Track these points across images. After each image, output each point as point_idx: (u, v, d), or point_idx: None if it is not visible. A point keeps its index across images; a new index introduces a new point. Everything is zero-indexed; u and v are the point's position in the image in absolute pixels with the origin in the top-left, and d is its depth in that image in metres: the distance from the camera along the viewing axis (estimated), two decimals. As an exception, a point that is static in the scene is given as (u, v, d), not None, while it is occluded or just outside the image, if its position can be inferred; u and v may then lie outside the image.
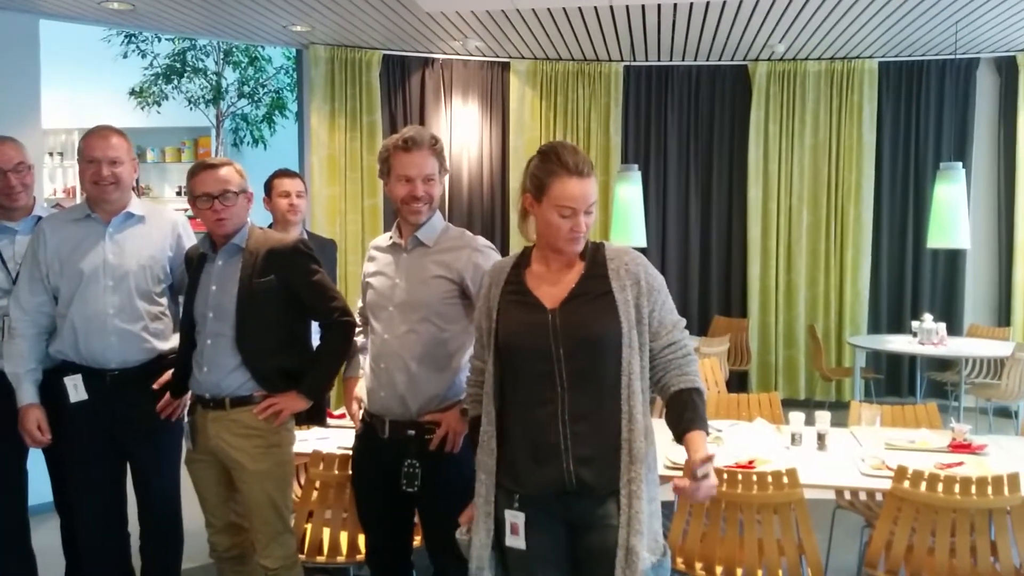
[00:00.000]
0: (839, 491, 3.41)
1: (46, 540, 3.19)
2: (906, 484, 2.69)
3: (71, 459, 2.81)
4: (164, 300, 2.86)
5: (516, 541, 1.99)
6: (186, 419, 2.74)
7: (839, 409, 5.84)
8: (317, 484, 2.84)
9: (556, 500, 1.98)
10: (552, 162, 2.00)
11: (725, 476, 2.74)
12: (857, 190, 6.90)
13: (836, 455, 3.21)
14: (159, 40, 7.94)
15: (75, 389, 2.73)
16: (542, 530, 1.99)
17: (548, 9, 5.47)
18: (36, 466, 3.07)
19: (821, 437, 3.28)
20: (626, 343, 1.97)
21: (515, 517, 1.99)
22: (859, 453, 3.17)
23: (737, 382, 6.86)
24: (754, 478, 2.72)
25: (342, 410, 3.18)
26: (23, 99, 5.01)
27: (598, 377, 1.97)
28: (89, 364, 2.74)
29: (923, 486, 2.67)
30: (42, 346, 2.77)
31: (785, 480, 2.70)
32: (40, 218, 2.94)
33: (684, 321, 2.11)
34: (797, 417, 3.35)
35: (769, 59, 6.94)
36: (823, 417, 3.31)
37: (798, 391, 7.09)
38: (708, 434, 2.00)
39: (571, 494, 1.96)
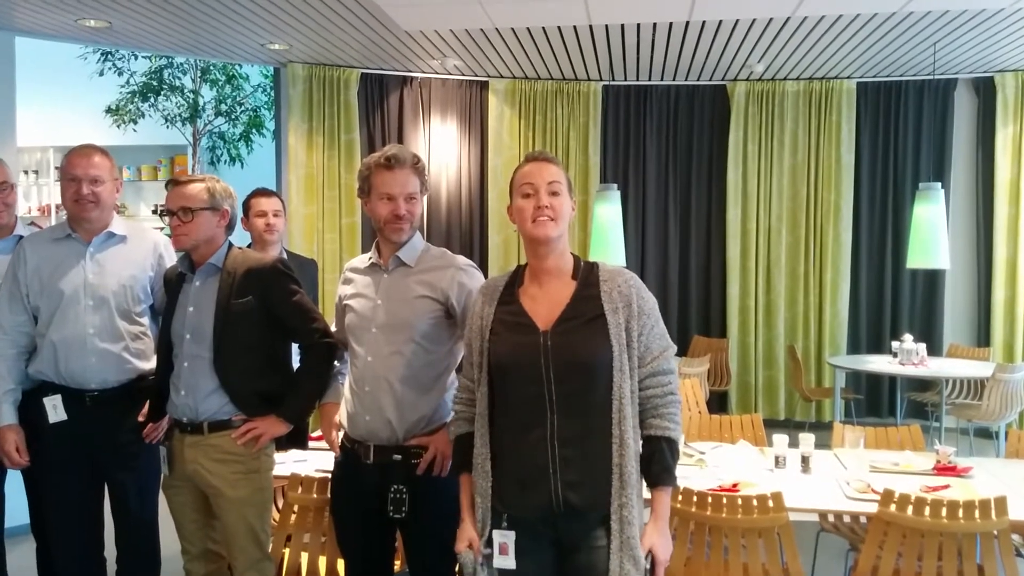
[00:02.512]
0: (823, 514, 3.39)
1: (22, 563, 3.10)
2: (893, 508, 2.67)
3: (48, 480, 2.76)
4: (145, 320, 2.82)
5: (505, 561, 1.97)
6: (163, 444, 2.67)
7: (819, 429, 5.85)
8: (295, 508, 2.77)
9: (543, 523, 1.96)
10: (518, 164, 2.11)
11: (709, 500, 2.71)
12: (836, 210, 6.95)
13: (820, 478, 3.18)
14: (136, 58, 7.86)
15: (54, 410, 2.69)
16: (530, 553, 1.98)
17: (527, 28, 5.48)
18: (13, 488, 3.00)
19: (805, 460, 3.25)
20: (617, 367, 1.95)
21: (504, 537, 1.98)
22: (844, 476, 3.15)
23: (717, 402, 6.86)
24: (739, 502, 2.69)
25: (319, 431, 3.12)
26: (-2, 116, 4.94)
27: (588, 401, 1.95)
28: (68, 384, 2.70)
29: (910, 510, 2.65)
30: (22, 366, 2.73)
31: (770, 504, 2.67)
32: (21, 237, 2.91)
33: (673, 348, 2.08)
34: (781, 439, 3.33)
35: (748, 79, 6.99)
36: (807, 439, 3.29)
37: (778, 411, 7.08)
38: (674, 484, 2.02)
39: (559, 516, 1.94)
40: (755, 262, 7.11)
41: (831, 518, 3.47)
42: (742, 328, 7.14)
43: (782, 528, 2.67)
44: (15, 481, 2.99)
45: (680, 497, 2.73)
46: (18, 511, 3.07)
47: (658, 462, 1.98)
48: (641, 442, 2.01)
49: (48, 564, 3.05)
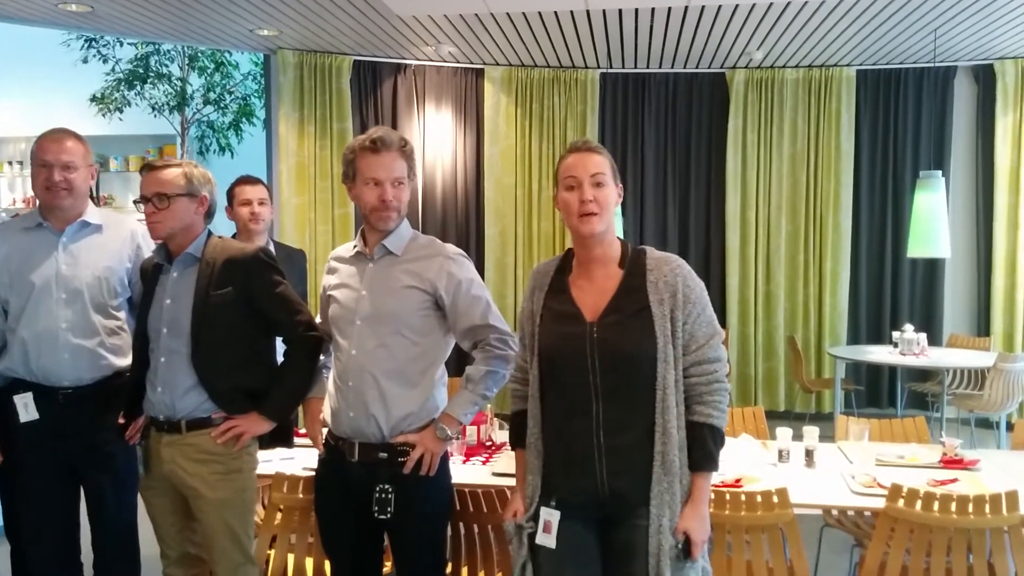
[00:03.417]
0: (827, 509, 3.30)
1: (-3, 566, 3.00)
2: (900, 503, 2.58)
3: (21, 482, 2.65)
4: (122, 314, 2.71)
5: (547, 539, 2.02)
6: (139, 443, 2.56)
7: (820, 421, 5.77)
8: (280, 508, 2.67)
9: (590, 505, 2.01)
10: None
11: (712, 496, 2.60)
12: (836, 199, 6.85)
13: (825, 472, 3.09)
14: (121, 45, 7.72)
15: (25, 408, 2.58)
16: (574, 530, 2.02)
17: (523, 14, 5.36)
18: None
19: (809, 453, 3.16)
20: (661, 358, 1.98)
21: (550, 515, 2.03)
22: (849, 470, 3.06)
23: (716, 394, 6.76)
24: (743, 498, 2.60)
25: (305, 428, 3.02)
26: (-24, 104, 4.81)
27: (633, 392, 1.98)
28: (40, 382, 2.59)
29: (918, 505, 2.55)
30: None
31: (775, 500, 2.58)
32: None
33: (721, 334, 2.08)
34: (784, 433, 3.23)
35: (747, 67, 6.88)
36: (811, 433, 3.20)
37: (778, 403, 7.00)
38: (716, 470, 2.04)
39: (604, 501, 1.99)
40: (755, 251, 7.01)
41: (835, 513, 3.38)
42: (742, 319, 7.04)
43: (787, 525, 2.58)
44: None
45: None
46: None
47: (699, 448, 2.00)
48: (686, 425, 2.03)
49: (23, 567, 2.92)
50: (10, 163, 7.41)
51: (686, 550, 1.97)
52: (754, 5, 5.13)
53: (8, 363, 2.60)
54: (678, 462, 1.97)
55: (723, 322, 7.02)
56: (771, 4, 5.09)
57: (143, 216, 2.46)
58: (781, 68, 6.88)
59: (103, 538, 2.70)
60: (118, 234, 2.73)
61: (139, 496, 2.61)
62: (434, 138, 6.87)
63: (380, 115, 6.70)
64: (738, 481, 2.91)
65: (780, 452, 3.19)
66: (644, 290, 2.01)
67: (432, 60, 6.72)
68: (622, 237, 2.18)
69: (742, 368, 7.07)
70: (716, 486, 2.75)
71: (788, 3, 5.05)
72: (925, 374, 6.57)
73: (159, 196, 2.38)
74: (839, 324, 6.89)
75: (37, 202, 2.74)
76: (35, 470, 2.61)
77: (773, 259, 7.00)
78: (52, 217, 2.65)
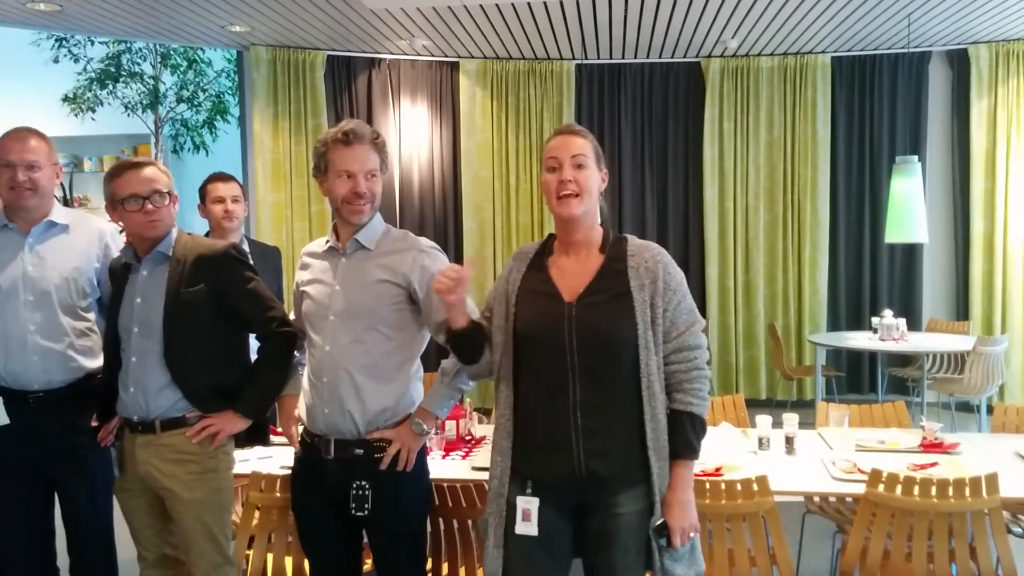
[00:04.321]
0: (808, 496, 3.30)
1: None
2: (881, 488, 2.58)
3: None
4: (91, 315, 2.66)
5: (527, 528, 2.00)
6: (113, 445, 2.52)
7: (801, 408, 5.78)
8: (258, 507, 2.63)
9: (567, 488, 1.99)
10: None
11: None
12: (813, 186, 6.87)
13: (805, 459, 3.09)
14: (92, 43, 7.60)
15: None
16: (549, 518, 2.00)
17: (497, 5, 5.33)
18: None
19: (789, 440, 3.16)
20: (642, 344, 1.97)
21: (528, 503, 2.00)
22: (829, 456, 3.06)
23: (698, 383, 6.76)
24: (723, 486, 2.59)
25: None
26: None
27: (612, 375, 1.98)
28: (10, 386, 2.54)
29: (898, 489, 2.56)
30: None
31: (755, 488, 2.58)
32: None
33: (702, 323, 2.08)
34: (764, 420, 3.23)
35: (722, 55, 6.88)
36: (791, 420, 3.20)
37: (759, 391, 7.02)
38: (696, 458, 2.04)
39: (581, 483, 1.97)
40: (733, 241, 7.03)
41: (816, 500, 3.38)
42: (722, 308, 7.06)
43: (768, 512, 2.58)
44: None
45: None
46: None
47: (679, 436, 2.00)
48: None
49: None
50: (-20, 165, 7.30)
51: (666, 538, 1.97)
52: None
53: None
54: (666, 448, 1.98)
55: (703, 311, 7.03)
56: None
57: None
58: (756, 56, 6.89)
59: (79, 542, 2.66)
60: (86, 234, 2.68)
61: (114, 498, 2.57)
62: (410, 132, 6.83)
63: (355, 110, 6.65)
64: (718, 470, 2.91)
65: (760, 440, 3.19)
66: (625, 275, 2.01)
67: (406, 54, 6.67)
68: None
69: (723, 357, 7.08)
70: (696, 475, 2.73)
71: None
72: (905, 359, 6.62)
73: (158, 193, 2.34)
74: (819, 311, 6.92)
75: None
76: (7, 475, 2.56)
77: (752, 247, 7.02)
78: (17, 218, 2.59)
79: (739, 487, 2.57)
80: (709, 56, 6.91)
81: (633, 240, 2.09)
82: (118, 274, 2.46)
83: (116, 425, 2.46)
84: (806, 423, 3.49)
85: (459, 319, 2.08)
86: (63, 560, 2.71)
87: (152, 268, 2.39)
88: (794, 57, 6.85)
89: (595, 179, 2.05)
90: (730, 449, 3.19)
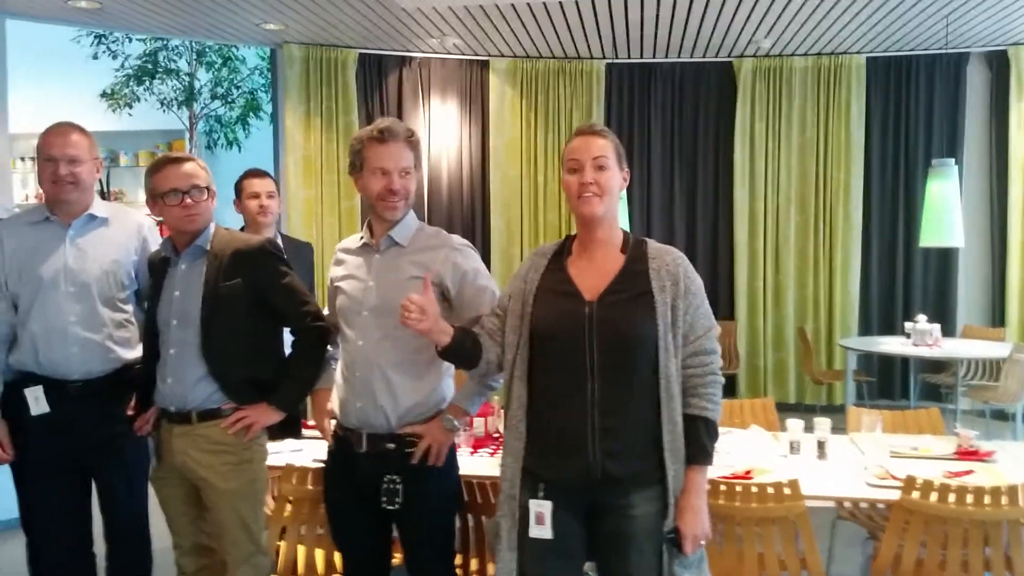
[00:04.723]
0: (839, 501, 3.27)
1: (13, 557, 3.00)
2: (915, 495, 2.55)
3: (32, 475, 2.65)
4: (129, 307, 2.70)
5: (542, 531, 1.99)
6: (151, 434, 2.56)
7: (831, 413, 5.72)
8: (290, 499, 2.66)
9: (580, 489, 1.98)
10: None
11: (722, 488, 2.59)
12: (846, 189, 6.80)
13: (837, 464, 3.06)
14: (130, 41, 7.72)
15: (36, 401, 2.57)
16: (562, 520, 1.99)
17: (528, 5, 5.33)
18: (5, 481, 2.87)
19: (821, 445, 3.12)
20: (662, 346, 1.97)
21: (540, 507, 1.99)
22: (862, 461, 3.03)
23: (725, 386, 6.67)
24: (753, 490, 2.57)
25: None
26: (-14, 101, 4.82)
27: (630, 375, 1.97)
28: (50, 375, 2.57)
29: (933, 497, 2.53)
30: (2, 357, 2.61)
31: (787, 491, 2.55)
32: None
33: (717, 330, 2.08)
34: (795, 424, 3.20)
35: (755, 55, 6.83)
36: (823, 424, 3.16)
37: (788, 395, 6.96)
38: (710, 463, 2.03)
39: (595, 483, 1.96)
40: (763, 243, 6.97)
41: (848, 505, 3.34)
42: (750, 310, 7.00)
43: (799, 517, 2.55)
44: (4, 473, 2.87)
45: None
46: (10, 504, 2.94)
47: (694, 441, 2.00)
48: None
49: (37, 559, 2.93)
50: (22, 159, 7.42)
51: (677, 544, 1.96)
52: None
53: (19, 356, 2.59)
54: (682, 451, 1.98)
55: (732, 314, 6.99)
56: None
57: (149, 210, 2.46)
58: (789, 56, 6.82)
59: (115, 529, 2.70)
60: (124, 227, 2.72)
61: (150, 487, 2.61)
62: (439, 130, 6.85)
63: (386, 108, 6.69)
64: (748, 473, 2.89)
65: (791, 444, 3.16)
66: (647, 276, 2.01)
67: (437, 52, 6.70)
68: (627, 228, 2.17)
69: (751, 360, 7.03)
70: (726, 477, 2.72)
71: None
72: (939, 365, 6.51)
73: (196, 188, 2.38)
74: (850, 315, 6.84)
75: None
76: (46, 463, 2.60)
77: (782, 250, 6.96)
78: (59, 211, 2.64)
79: (770, 491, 2.55)
80: (741, 56, 6.85)
81: (653, 243, 2.10)
82: (157, 267, 2.51)
83: (153, 415, 2.50)
84: (837, 428, 3.46)
85: (441, 338, 2.08)
86: (99, 547, 2.75)
87: (190, 262, 2.43)
88: (828, 57, 6.78)
89: (616, 180, 2.05)
90: (760, 452, 3.16)
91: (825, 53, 6.75)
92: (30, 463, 2.63)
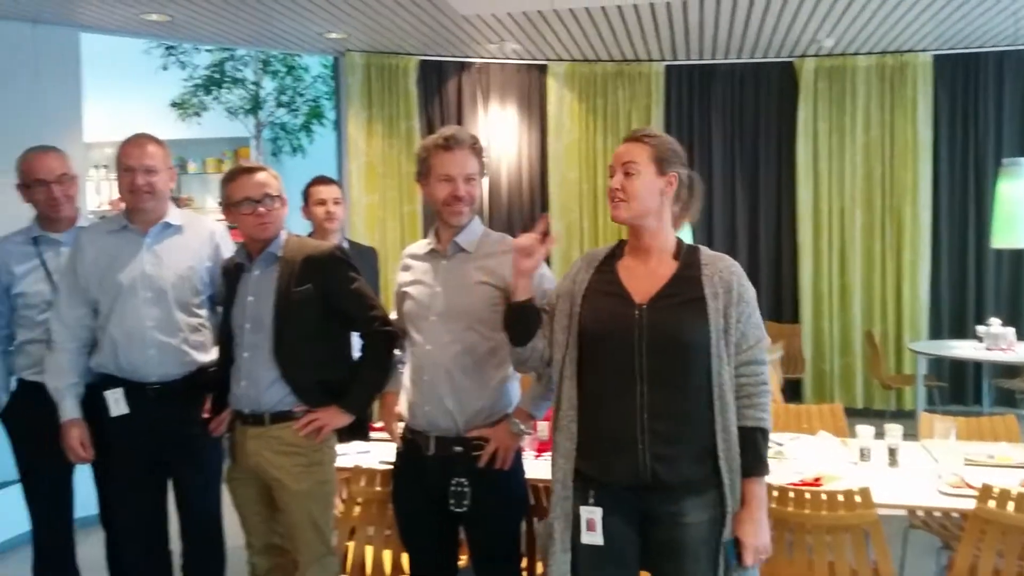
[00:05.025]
0: (912, 510, 3.20)
1: (93, 553, 3.12)
2: (991, 504, 2.48)
3: (112, 474, 2.77)
4: (203, 312, 2.78)
5: (593, 538, 1.98)
6: (226, 436, 2.65)
7: (900, 418, 5.56)
8: (358, 501, 2.72)
9: (630, 492, 1.96)
10: None
11: (791, 495, 2.56)
12: (913, 189, 6.62)
13: (909, 471, 2.99)
14: (198, 51, 7.95)
15: (116, 403, 2.67)
16: (617, 528, 1.98)
17: (586, 9, 5.33)
18: (85, 478, 3.01)
19: (892, 452, 3.06)
20: (715, 353, 1.95)
21: (591, 513, 1.98)
22: (935, 469, 2.95)
23: (790, 391, 6.62)
24: (823, 497, 2.53)
25: (381, 423, 3.07)
26: (65, 112, 5.01)
27: (681, 379, 1.96)
28: (130, 378, 2.67)
29: (1011, 506, 2.45)
30: (84, 360, 2.71)
31: (858, 499, 2.51)
32: (81, 229, 2.88)
33: (768, 341, 2.05)
34: (865, 430, 3.14)
35: (816, 55, 6.71)
36: (894, 431, 3.09)
37: (855, 400, 6.81)
38: (767, 473, 2.01)
39: (645, 487, 1.94)
40: (828, 244, 6.84)
41: (920, 514, 3.27)
42: (816, 313, 6.87)
43: (871, 525, 2.51)
44: (85, 471, 2.99)
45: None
46: (90, 501, 3.07)
47: (752, 452, 1.97)
48: None
49: (116, 556, 3.06)
50: (96, 167, 7.70)
51: (737, 555, 1.94)
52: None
53: (99, 359, 2.69)
54: (737, 460, 1.96)
55: (796, 317, 6.88)
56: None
57: (222, 217, 2.54)
58: (853, 55, 6.69)
59: (190, 528, 2.78)
60: (197, 234, 2.81)
61: (224, 487, 2.69)
62: (498, 135, 6.89)
63: (445, 113, 6.76)
64: (817, 480, 2.84)
65: (862, 450, 3.10)
66: (699, 281, 1.99)
67: (496, 57, 6.74)
68: (689, 230, 2.15)
69: (817, 364, 6.90)
70: (795, 484, 2.69)
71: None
72: (1013, 370, 6.29)
73: (269, 197, 2.46)
74: (919, 318, 6.66)
75: (122, 204, 2.84)
76: (126, 463, 2.70)
77: (848, 251, 6.81)
78: (136, 219, 2.73)
79: (840, 498, 2.51)
80: (803, 56, 6.74)
81: (706, 251, 2.07)
82: (231, 273, 2.58)
83: (227, 417, 2.58)
84: (907, 435, 3.38)
85: (523, 290, 2.09)
86: (175, 545, 2.84)
87: (263, 268, 2.50)
88: (893, 56, 6.62)
89: (650, 185, 2.01)
90: (829, 459, 3.11)
91: (890, 52, 6.60)
92: (110, 462, 2.73)
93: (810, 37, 6.17)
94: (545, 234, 2.07)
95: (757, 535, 1.95)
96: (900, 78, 6.64)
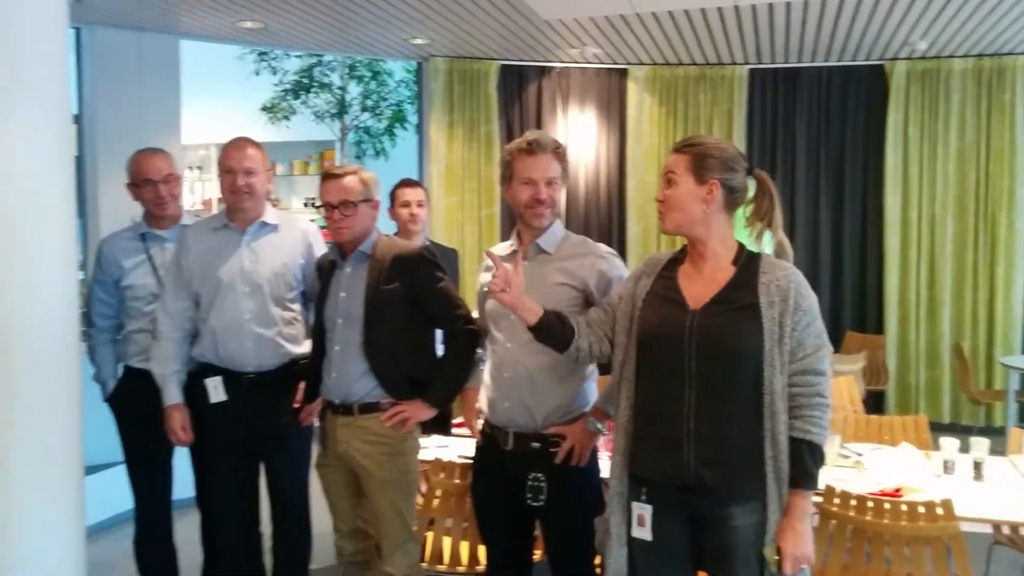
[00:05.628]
0: (997, 525, 3.10)
1: (187, 534, 3.29)
2: (1084, 522, 2.40)
3: (209, 458, 2.92)
4: (296, 306, 2.92)
5: (642, 532, 2.03)
6: (316, 424, 2.77)
7: (990, 435, 5.37)
8: (438, 493, 2.81)
9: (678, 494, 1.99)
10: None
11: (870, 504, 2.53)
12: (1010, 197, 6.37)
13: (995, 486, 2.91)
14: (288, 57, 8.25)
15: (215, 390, 2.83)
16: (669, 529, 2.02)
17: (669, 13, 5.32)
18: (184, 464, 3.17)
19: (978, 466, 2.98)
20: (767, 361, 1.95)
21: (642, 509, 2.04)
22: (1022, 485, 2.87)
23: (873, 403, 6.45)
24: (903, 508, 2.50)
25: (461, 418, 3.15)
26: (164, 115, 5.24)
27: (730, 386, 1.96)
28: (228, 367, 2.82)
29: (1105, 525, 2.37)
30: (186, 349, 2.88)
31: (939, 511, 2.47)
32: (186, 226, 3.05)
33: (830, 349, 2.00)
34: (949, 443, 3.07)
35: (909, 57, 6.52)
36: (980, 444, 3.02)
37: (942, 414, 6.58)
38: (814, 488, 1.98)
39: (691, 490, 1.97)
40: (917, 253, 6.63)
41: (1006, 530, 3.17)
42: (902, 324, 6.67)
43: (952, 538, 2.46)
44: (183, 457, 3.15)
45: (837, 500, 2.57)
46: (188, 484, 3.21)
47: (798, 465, 1.94)
48: None
49: (210, 535, 3.21)
50: (190, 168, 8.07)
51: (777, 562, 1.94)
52: (918, -7, 4.87)
53: (200, 349, 2.86)
54: (786, 471, 1.94)
55: (880, 328, 6.69)
56: (938, -9, 4.82)
57: (312, 216, 2.66)
58: (947, 58, 6.47)
59: (280, 510, 2.92)
60: (292, 233, 2.95)
61: (313, 474, 2.81)
62: (577, 138, 6.92)
63: (525, 117, 6.83)
64: (898, 491, 2.80)
65: (945, 463, 3.04)
66: (754, 289, 1.98)
67: (576, 62, 6.78)
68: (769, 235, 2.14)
69: (902, 376, 6.70)
70: (873, 494, 2.65)
71: (956, -11, 4.76)
72: (1113, 387, 6.00)
73: (345, 203, 2.56)
74: (1013, 332, 6.40)
75: (214, 204, 3.00)
76: (223, 448, 2.86)
77: (938, 261, 6.60)
78: (236, 218, 2.88)
79: (921, 509, 2.47)
80: (894, 58, 6.57)
81: (767, 258, 2.06)
82: (325, 270, 2.71)
83: (318, 407, 2.71)
84: (996, 451, 3.28)
85: (528, 317, 2.17)
86: (266, 527, 2.98)
87: (355, 266, 2.62)
88: (990, 59, 6.38)
89: (689, 194, 2.02)
90: (911, 470, 3.05)
91: (987, 54, 6.37)
92: (208, 447, 2.89)
93: (902, 39, 6.00)
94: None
95: (797, 544, 1.93)
96: (998, 82, 6.39)
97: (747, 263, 2.04)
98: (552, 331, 2.20)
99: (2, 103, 2.17)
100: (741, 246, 2.09)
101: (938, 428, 5.97)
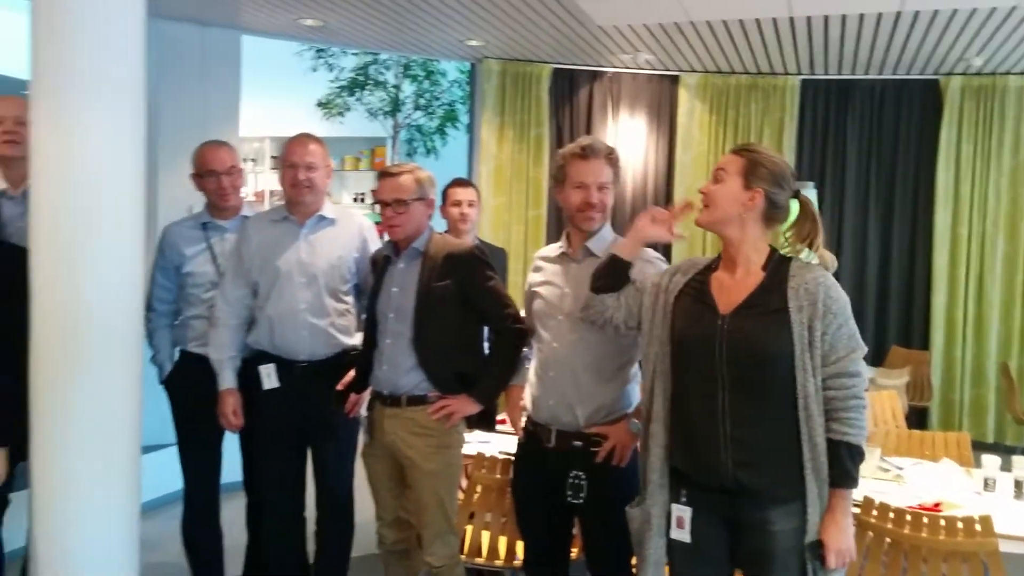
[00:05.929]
0: (1038, 546, 3.08)
1: (234, 516, 3.38)
2: None
3: (260, 443, 3.01)
4: (349, 298, 3.01)
5: (681, 535, 2.06)
6: (364, 413, 2.85)
7: (1034, 456, 5.30)
8: (479, 487, 2.88)
9: (718, 496, 2.02)
10: None
11: (908, 517, 2.54)
12: (1064, 217, 6.26)
13: (1037, 506, 2.90)
14: (345, 55, 8.41)
15: (268, 377, 2.91)
16: (708, 532, 2.05)
17: (723, 21, 5.33)
18: (233, 449, 3.26)
19: (1019, 484, 2.97)
20: (799, 366, 1.97)
21: (682, 511, 2.07)
22: (1066, 506, 2.85)
23: (916, 420, 6.37)
24: (941, 522, 2.50)
25: (505, 415, 3.22)
26: (224, 109, 5.36)
27: (763, 390, 2.00)
28: (282, 355, 2.91)
29: None
30: (242, 336, 2.97)
31: (978, 527, 2.47)
32: (246, 217, 3.15)
33: (863, 350, 2.03)
34: (991, 460, 3.06)
35: (964, 73, 6.44)
36: (1022, 463, 3.00)
37: (986, 433, 6.48)
38: (854, 487, 2.01)
39: (729, 492, 2.00)
40: (965, 271, 6.54)
41: (1047, 552, 3.14)
42: (948, 341, 6.59)
43: (990, 555, 2.46)
44: (232, 442, 3.24)
45: (875, 512, 2.59)
46: (236, 468, 3.30)
47: (837, 466, 1.98)
48: None
49: (256, 519, 3.28)
50: (245, 160, 8.26)
51: (821, 557, 1.97)
52: (975, 10, 4.82)
53: (256, 337, 2.95)
54: (825, 471, 1.97)
55: (926, 344, 6.61)
56: (994, 8, 4.76)
57: (363, 211, 2.75)
58: (1004, 75, 6.38)
59: (325, 497, 3.00)
60: (348, 227, 3.03)
61: (358, 462, 2.89)
62: (626, 143, 6.94)
63: (575, 121, 6.88)
64: (937, 506, 2.80)
65: (986, 480, 3.03)
66: (783, 293, 2.00)
67: (628, 68, 6.82)
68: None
69: (946, 393, 6.61)
70: (912, 508, 2.66)
71: (1014, 7, 4.70)
72: None
73: (398, 202, 2.64)
74: (1062, 354, 6.29)
75: (267, 196, 3.10)
76: (273, 433, 2.94)
77: (987, 279, 6.50)
78: (296, 211, 2.97)
79: (960, 524, 2.47)
80: (949, 74, 6.49)
81: (797, 262, 2.07)
82: (379, 264, 2.80)
83: (367, 397, 2.79)
84: (1041, 472, 3.26)
85: (629, 250, 2.28)
86: (310, 512, 3.06)
87: (408, 262, 2.71)
88: (1049, 75, 6.28)
89: (732, 194, 2.06)
90: (951, 487, 3.04)
91: (1045, 71, 6.27)
92: (258, 433, 2.98)
93: (958, 55, 5.94)
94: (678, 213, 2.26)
95: (840, 538, 1.97)
96: (1056, 99, 6.29)
97: (777, 267, 2.06)
98: (618, 276, 2.27)
99: (82, 92, 2.24)
100: (772, 250, 2.11)
101: (981, 447, 5.89)
